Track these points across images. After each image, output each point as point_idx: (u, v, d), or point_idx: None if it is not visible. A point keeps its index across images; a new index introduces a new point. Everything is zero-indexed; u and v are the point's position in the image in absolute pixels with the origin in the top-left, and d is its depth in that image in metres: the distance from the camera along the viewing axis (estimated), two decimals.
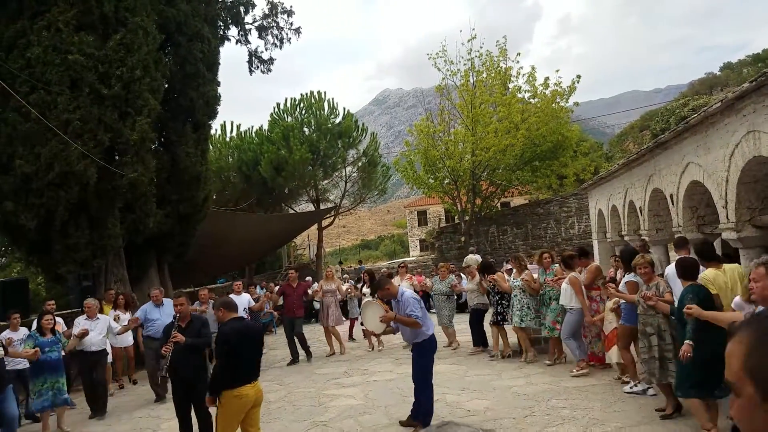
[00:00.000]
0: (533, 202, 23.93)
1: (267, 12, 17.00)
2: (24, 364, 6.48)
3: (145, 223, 9.98)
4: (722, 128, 6.07)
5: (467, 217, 21.26)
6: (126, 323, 7.73)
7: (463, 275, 10.49)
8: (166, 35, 10.83)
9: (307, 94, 22.86)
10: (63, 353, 6.49)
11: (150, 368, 7.53)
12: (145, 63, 9.57)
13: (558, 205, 22.21)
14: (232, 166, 22.15)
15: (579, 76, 20.20)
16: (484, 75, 20.47)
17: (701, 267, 4.83)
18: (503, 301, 7.99)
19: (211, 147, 17.67)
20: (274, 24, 17.06)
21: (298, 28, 17.49)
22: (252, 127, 23.40)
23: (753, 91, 5.12)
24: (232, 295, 7.73)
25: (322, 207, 23.73)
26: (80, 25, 9.07)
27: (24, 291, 9.54)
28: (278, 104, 22.95)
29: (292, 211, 24.42)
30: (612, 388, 5.86)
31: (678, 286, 4.81)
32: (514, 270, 8.04)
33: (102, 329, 7.14)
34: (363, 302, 6.58)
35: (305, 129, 22.42)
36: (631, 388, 5.67)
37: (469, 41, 20.38)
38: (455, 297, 9.83)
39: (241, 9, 15.93)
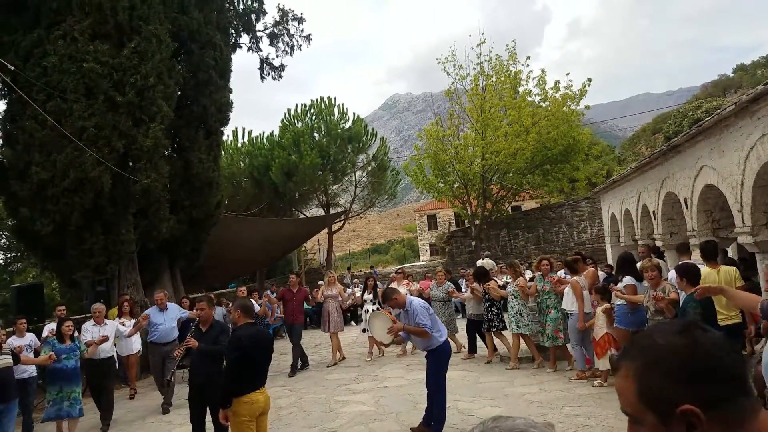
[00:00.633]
0: (545, 206, 23.77)
1: (278, 19, 17.14)
2: (30, 373, 6.31)
3: (159, 228, 10.08)
4: (736, 131, 5.99)
5: (478, 221, 21.17)
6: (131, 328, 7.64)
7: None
8: (179, 43, 10.98)
9: (317, 99, 23.01)
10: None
11: (156, 374, 7.44)
12: (158, 71, 9.70)
13: (570, 208, 22.02)
14: (243, 172, 22.31)
15: (590, 79, 20.07)
16: (494, 79, 20.42)
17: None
18: (493, 308, 8.06)
19: (223, 153, 17.83)
20: (284, 31, 17.19)
21: (309, 34, 17.61)
22: (263, 132, 23.58)
23: (767, 93, 5.05)
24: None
25: (332, 211, 23.80)
26: (95, 34, 9.23)
27: (39, 296, 9.66)
28: (289, 110, 23.12)
29: (303, 216, 24.51)
30: None
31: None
32: (510, 276, 8.07)
33: (111, 335, 7.00)
34: (370, 313, 6.61)
35: (315, 134, 22.54)
36: None
37: (478, 45, 20.37)
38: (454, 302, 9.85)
39: (253, 17, 16.08)
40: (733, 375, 0.90)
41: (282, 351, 11.02)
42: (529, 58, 20.90)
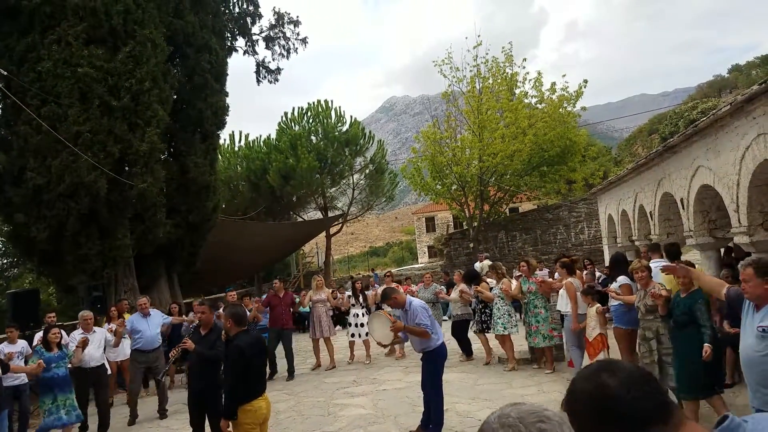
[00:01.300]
0: (542, 208, 23.78)
1: (274, 23, 17.18)
2: (22, 379, 6.18)
3: (155, 233, 10.05)
4: (732, 131, 6.00)
5: (475, 223, 21.18)
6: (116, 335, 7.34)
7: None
8: (175, 47, 10.97)
9: (314, 102, 23.05)
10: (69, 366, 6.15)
11: (134, 385, 7.09)
12: (153, 75, 9.68)
13: (567, 210, 22.04)
14: (240, 176, 22.32)
15: (586, 81, 20.13)
16: (491, 81, 20.45)
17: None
18: (486, 310, 8.12)
19: (219, 157, 17.79)
20: (280, 34, 17.23)
21: (305, 38, 17.65)
22: (260, 136, 23.65)
23: (762, 94, 5.06)
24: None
25: (330, 214, 23.80)
26: (90, 38, 9.21)
27: (35, 302, 9.61)
28: (285, 113, 23.15)
29: (301, 219, 24.49)
30: None
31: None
32: (494, 278, 8.22)
33: (100, 342, 6.75)
34: (372, 313, 6.59)
35: (312, 137, 22.56)
36: None
37: (474, 48, 20.40)
38: (441, 304, 9.93)
39: (248, 20, 16.11)
40: (635, 416, 0.98)
41: (280, 356, 10.97)
42: (525, 60, 20.96)
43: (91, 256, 9.18)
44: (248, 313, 9.05)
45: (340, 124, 22.87)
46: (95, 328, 6.84)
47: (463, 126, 21.44)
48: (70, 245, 9.09)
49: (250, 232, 16.28)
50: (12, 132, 9.06)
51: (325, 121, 22.59)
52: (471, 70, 20.52)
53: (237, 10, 15.79)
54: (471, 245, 21.23)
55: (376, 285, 13.53)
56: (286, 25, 17.28)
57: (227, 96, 12.61)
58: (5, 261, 19.19)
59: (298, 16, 17.45)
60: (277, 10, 17.27)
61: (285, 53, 17.38)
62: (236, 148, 22.87)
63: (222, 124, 12.54)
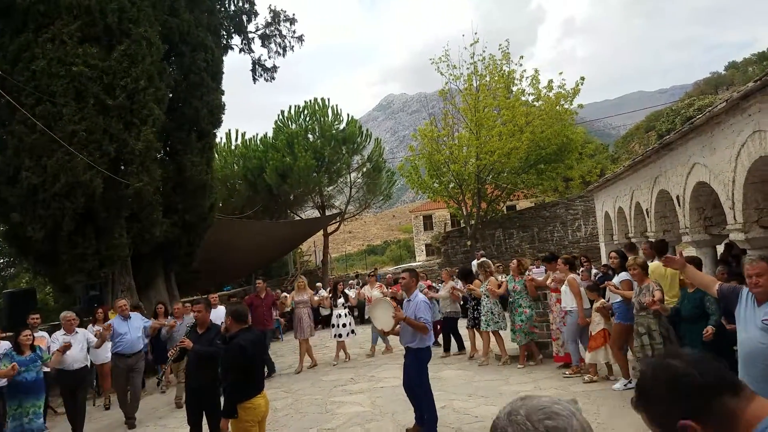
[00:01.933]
0: (539, 205, 23.81)
1: (269, 20, 17.14)
2: (4, 380, 5.83)
3: (152, 232, 10.02)
4: (728, 128, 6.01)
5: (473, 221, 21.19)
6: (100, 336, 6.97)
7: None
8: (170, 45, 10.93)
9: (310, 101, 22.94)
10: (46, 369, 5.87)
11: (120, 388, 6.85)
12: (149, 73, 9.65)
13: (564, 207, 22.09)
14: (237, 174, 22.24)
15: (583, 78, 20.12)
16: (488, 79, 20.45)
17: None
18: (479, 307, 8.28)
19: (216, 155, 17.75)
20: (276, 32, 17.19)
21: (301, 35, 17.62)
22: (257, 134, 23.51)
23: (758, 91, 5.07)
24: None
25: (328, 213, 23.75)
26: (84, 37, 9.16)
27: (31, 301, 9.58)
28: (282, 112, 23.04)
29: (298, 218, 24.45)
30: (621, 393, 5.79)
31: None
32: (482, 277, 8.42)
33: (83, 344, 6.55)
34: (374, 300, 6.62)
35: (309, 136, 22.48)
36: (624, 386, 5.90)
37: (471, 45, 20.39)
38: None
39: (244, 18, 16.06)
40: (706, 385, 1.07)
41: (278, 353, 10.99)
42: (522, 57, 20.96)
43: (88, 255, 9.15)
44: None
45: (337, 123, 22.79)
46: (77, 329, 6.66)
47: (460, 124, 21.44)
48: (66, 245, 9.07)
49: (247, 230, 16.24)
50: (7, 131, 9.02)
51: (322, 119, 22.51)
52: (468, 68, 20.52)
53: (232, 7, 15.74)
54: (468, 243, 21.25)
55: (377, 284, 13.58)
56: (282, 23, 17.25)
57: (223, 94, 12.56)
58: (1, 261, 19.13)
59: (294, 14, 17.45)
60: (272, 7, 17.22)
61: (281, 51, 17.36)
62: (233, 147, 22.78)
63: (218, 123, 12.50)
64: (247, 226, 16.55)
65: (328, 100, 22.80)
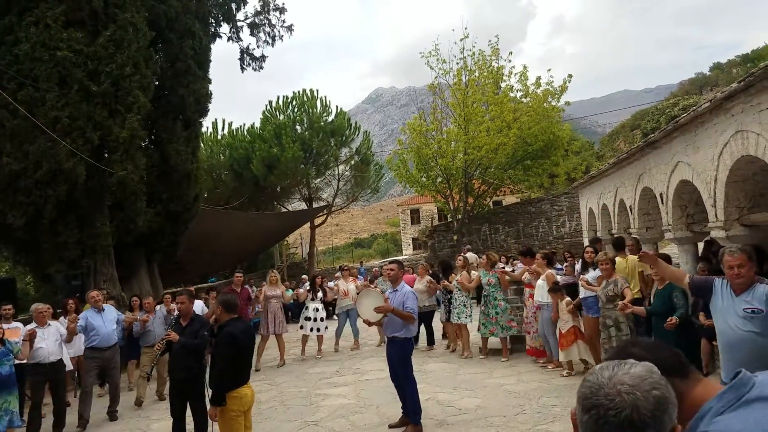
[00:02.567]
0: (525, 201, 24.01)
1: (259, 9, 16.94)
2: None
3: (135, 221, 9.89)
4: (711, 128, 6.12)
5: (460, 216, 21.30)
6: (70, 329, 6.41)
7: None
8: (157, 32, 10.73)
9: (299, 92, 22.77)
10: (18, 362, 5.58)
11: (88, 385, 6.61)
12: (135, 60, 9.48)
13: (549, 203, 22.32)
14: (223, 164, 22.02)
15: (570, 76, 20.26)
16: (477, 74, 20.48)
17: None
18: (453, 301, 8.44)
19: (202, 145, 17.56)
20: (266, 21, 16.99)
21: (291, 25, 17.44)
22: (244, 124, 23.38)
23: (741, 91, 5.16)
24: None
25: (315, 205, 23.68)
26: (69, 21, 8.96)
27: (12, 291, 9.40)
28: (270, 102, 22.83)
29: (285, 210, 24.33)
30: None
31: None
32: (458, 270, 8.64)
33: (56, 336, 6.18)
34: (362, 290, 6.62)
35: (297, 127, 22.33)
36: None
37: (461, 40, 20.39)
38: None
39: (233, 6, 15.84)
40: (659, 365, 1.10)
41: (268, 346, 10.91)
42: (511, 53, 21.01)
43: (69, 244, 9.00)
44: (206, 308, 8.75)
45: (325, 114, 22.67)
46: (50, 322, 6.31)
47: (449, 118, 21.46)
48: (48, 233, 8.91)
49: (232, 222, 16.11)
50: None
51: (310, 110, 22.37)
52: (458, 63, 20.52)
53: None
54: (455, 237, 21.37)
55: (359, 277, 13.54)
56: (271, 12, 17.05)
57: (210, 83, 12.41)
58: None
59: (284, 3, 17.29)
60: None
61: (270, 40, 17.17)
62: (219, 137, 22.54)
63: (205, 112, 12.35)
64: (233, 218, 16.42)
65: (317, 91, 22.68)
